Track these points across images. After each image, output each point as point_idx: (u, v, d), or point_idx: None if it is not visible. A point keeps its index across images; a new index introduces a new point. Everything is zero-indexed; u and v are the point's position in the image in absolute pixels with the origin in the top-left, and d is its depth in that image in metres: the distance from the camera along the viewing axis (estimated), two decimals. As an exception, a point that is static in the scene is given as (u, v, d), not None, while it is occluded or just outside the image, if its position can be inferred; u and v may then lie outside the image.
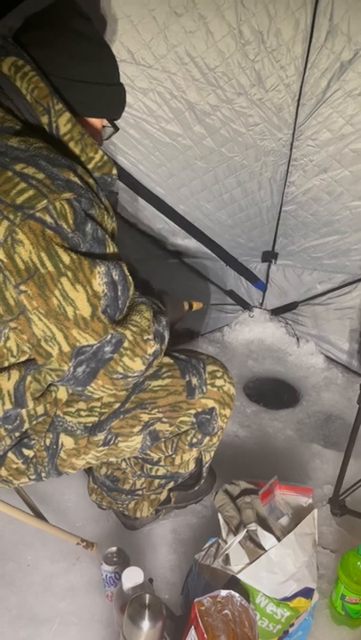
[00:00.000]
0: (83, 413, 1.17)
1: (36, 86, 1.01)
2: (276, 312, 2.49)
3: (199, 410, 1.25)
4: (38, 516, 1.38)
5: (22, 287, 0.92)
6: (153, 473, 1.36)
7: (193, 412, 1.24)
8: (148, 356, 1.05)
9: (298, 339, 2.40)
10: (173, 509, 1.60)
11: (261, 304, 2.52)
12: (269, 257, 2.32)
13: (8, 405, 1.07)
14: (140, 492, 1.44)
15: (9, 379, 1.05)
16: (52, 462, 1.18)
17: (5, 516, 1.27)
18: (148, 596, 1.07)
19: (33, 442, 1.15)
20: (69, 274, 0.92)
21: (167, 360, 1.23)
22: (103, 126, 1.17)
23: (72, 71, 1.06)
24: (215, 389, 1.26)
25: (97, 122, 1.15)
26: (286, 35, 1.53)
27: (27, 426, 1.13)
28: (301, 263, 2.28)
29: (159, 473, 1.36)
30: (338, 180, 1.84)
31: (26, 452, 1.15)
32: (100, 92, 1.10)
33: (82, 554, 1.45)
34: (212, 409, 1.26)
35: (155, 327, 1.07)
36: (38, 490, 1.54)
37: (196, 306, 1.41)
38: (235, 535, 1.20)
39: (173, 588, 1.38)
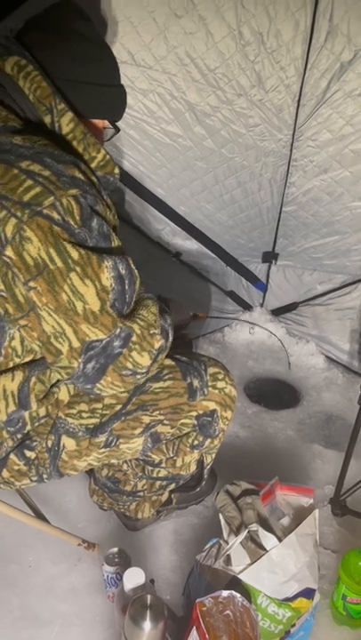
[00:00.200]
0: (84, 415, 1.17)
1: (38, 86, 1.01)
2: (277, 313, 2.49)
3: (200, 412, 1.25)
4: (40, 517, 1.38)
5: (31, 284, 0.93)
6: (154, 474, 1.36)
7: (194, 414, 1.24)
8: (154, 351, 1.05)
9: (287, 353, 2.38)
10: (175, 510, 1.60)
11: (262, 304, 2.52)
12: (270, 257, 2.32)
13: (12, 407, 1.07)
14: (141, 494, 1.44)
15: (13, 379, 1.05)
16: (53, 464, 1.18)
17: (7, 518, 1.27)
18: (149, 596, 1.07)
19: (35, 443, 1.16)
20: (78, 269, 0.93)
21: (168, 362, 1.23)
22: (104, 127, 1.18)
23: (73, 73, 1.06)
24: (216, 391, 1.26)
25: (98, 123, 1.16)
26: (286, 36, 1.53)
27: (29, 428, 1.13)
28: (302, 264, 2.28)
29: (160, 474, 1.36)
30: (338, 180, 1.84)
31: (28, 453, 1.15)
32: (101, 94, 1.11)
33: (83, 555, 1.45)
34: (214, 411, 1.26)
35: (160, 322, 1.07)
36: (40, 491, 1.54)
37: (201, 316, 1.43)
38: (236, 536, 1.20)
39: (175, 589, 1.38)
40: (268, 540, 1.17)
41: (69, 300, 0.94)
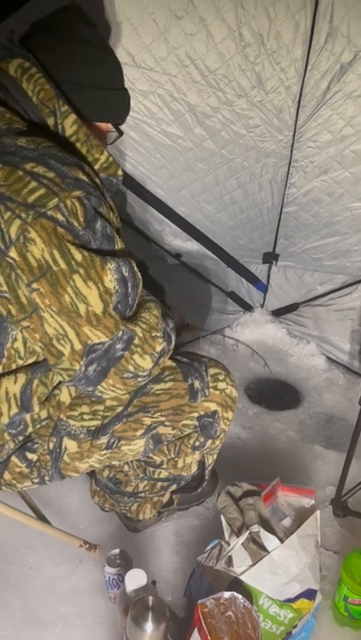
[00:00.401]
0: (86, 417, 1.17)
1: (42, 88, 1.02)
2: (278, 313, 2.49)
3: (202, 413, 1.25)
4: (41, 518, 1.38)
5: (34, 285, 0.93)
6: (155, 476, 1.36)
7: (195, 415, 1.24)
8: (156, 354, 1.05)
9: (265, 362, 2.37)
10: (176, 511, 1.60)
11: (262, 305, 2.52)
12: (270, 258, 2.32)
13: (14, 409, 1.07)
14: (142, 495, 1.44)
15: (15, 382, 1.05)
16: (55, 466, 1.18)
17: (8, 519, 1.27)
18: (151, 598, 1.07)
19: (36, 446, 1.16)
20: (81, 271, 0.93)
21: (169, 363, 1.23)
22: (107, 131, 1.18)
23: (76, 76, 1.07)
24: (218, 392, 1.26)
25: (102, 126, 1.16)
26: (286, 37, 1.53)
27: (30, 430, 1.13)
28: (302, 264, 2.28)
29: (162, 475, 1.36)
30: (338, 181, 1.84)
31: (29, 455, 1.16)
32: (104, 97, 1.11)
33: (85, 556, 1.45)
34: (215, 412, 1.26)
35: (163, 325, 1.08)
36: (41, 493, 1.54)
37: (192, 326, 1.43)
38: (237, 537, 1.20)
39: (176, 590, 1.38)
40: (269, 541, 1.17)
41: (72, 302, 0.94)
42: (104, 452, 1.20)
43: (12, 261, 0.93)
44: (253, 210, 2.05)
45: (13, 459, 1.15)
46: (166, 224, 2.05)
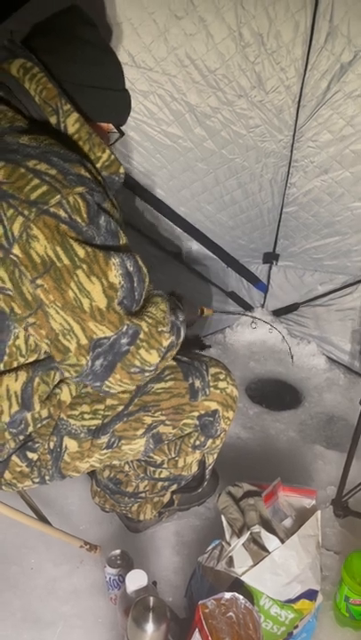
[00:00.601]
0: (86, 416, 1.17)
1: (44, 87, 1.03)
2: (278, 313, 2.49)
3: (202, 412, 1.25)
4: (42, 519, 1.38)
5: (38, 281, 0.93)
6: (156, 475, 1.36)
7: (196, 414, 1.24)
8: (163, 349, 1.05)
9: (289, 349, 2.37)
10: (176, 512, 1.59)
11: (263, 305, 2.52)
12: (270, 258, 2.32)
13: (15, 407, 1.07)
14: (143, 495, 1.44)
15: (16, 379, 1.05)
16: (55, 465, 1.18)
17: (9, 520, 1.27)
18: (151, 598, 1.07)
19: (37, 445, 1.16)
20: (85, 266, 0.94)
21: (170, 362, 1.23)
22: (109, 131, 1.19)
23: (76, 76, 1.07)
24: (218, 392, 1.26)
25: (103, 126, 1.17)
26: (286, 37, 1.53)
27: (31, 429, 1.13)
28: (302, 264, 2.27)
29: (162, 475, 1.36)
30: (339, 181, 1.84)
31: (30, 455, 1.15)
32: (105, 97, 1.12)
33: (85, 557, 1.45)
34: (215, 411, 1.26)
35: (171, 319, 1.08)
36: (42, 493, 1.54)
37: (207, 312, 1.43)
38: (238, 537, 1.20)
39: (177, 591, 1.38)
40: (270, 541, 1.17)
41: (76, 297, 0.95)
42: (105, 451, 1.20)
43: (15, 258, 0.93)
44: (254, 210, 2.05)
45: (14, 458, 1.15)
46: (166, 224, 2.05)
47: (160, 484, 1.40)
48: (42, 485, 1.23)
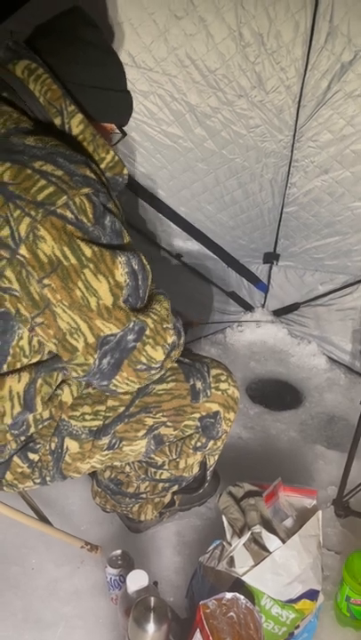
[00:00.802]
0: (87, 417, 1.17)
1: (49, 88, 1.03)
2: (278, 313, 2.49)
3: (203, 414, 1.25)
4: (42, 519, 1.38)
5: (46, 281, 0.94)
6: (157, 476, 1.36)
7: (197, 415, 1.24)
8: (167, 345, 1.06)
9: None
10: (177, 512, 1.59)
11: (263, 305, 2.52)
12: (271, 258, 2.32)
13: (17, 408, 1.07)
14: (144, 496, 1.44)
15: (19, 381, 1.05)
16: (56, 466, 1.18)
17: (9, 520, 1.26)
18: (153, 598, 1.07)
19: (38, 446, 1.15)
20: (91, 265, 0.94)
21: (172, 364, 1.23)
22: (111, 132, 1.19)
23: (78, 76, 1.08)
24: (219, 393, 1.26)
25: (105, 126, 1.17)
26: (286, 37, 1.53)
27: (32, 430, 1.13)
28: (303, 264, 2.27)
29: (163, 476, 1.36)
30: (339, 180, 1.84)
31: (31, 456, 1.15)
32: (107, 98, 1.12)
33: (86, 557, 1.45)
34: (217, 413, 1.26)
35: (173, 319, 1.08)
36: (42, 493, 1.54)
37: (195, 323, 1.43)
38: (239, 537, 1.20)
39: (178, 591, 1.38)
40: (271, 541, 1.17)
41: (83, 296, 0.95)
42: (106, 452, 1.20)
43: (22, 259, 0.93)
44: (254, 210, 2.05)
45: (15, 459, 1.15)
46: (167, 224, 2.05)
47: (161, 484, 1.40)
48: (43, 486, 1.23)
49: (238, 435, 1.94)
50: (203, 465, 1.40)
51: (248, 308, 2.51)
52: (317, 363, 2.35)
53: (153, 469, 1.35)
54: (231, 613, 1.03)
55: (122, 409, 1.19)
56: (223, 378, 1.27)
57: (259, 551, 1.18)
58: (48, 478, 1.20)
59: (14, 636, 1.30)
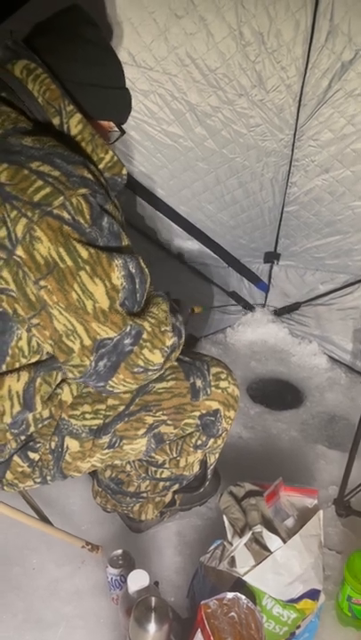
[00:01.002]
0: (88, 416, 1.17)
1: (47, 88, 1.03)
2: (279, 313, 2.49)
3: (203, 412, 1.25)
4: (43, 519, 1.38)
5: (42, 282, 0.94)
6: (158, 475, 1.36)
7: (197, 414, 1.24)
8: (166, 348, 1.05)
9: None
10: (178, 512, 1.59)
11: (264, 305, 2.52)
12: (272, 258, 2.32)
13: (17, 407, 1.07)
14: (144, 495, 1.43)
15: (18, 380, 1.05)
16: (57, 465, 1.18)
17: (10, 520, 1.26)
18: (154, 598, 1.07)
19: (38, 445, 1.15)
20: (88, 268, 0.94)
21: (171, 362, 1.23)
22: (110, 130, 1.19)
23: (77, 75, 1.08)
24: (219, 391, 1.25)
25: (104, 125, 1.17)
26: (287, 36, 1.53)
27: (32, 429, 1.13)
28: (304, 264, 2.27)
29: (164, 475, 1.36)
30: (340, 180, 1.83)
31: (31, 455, 1.15)
32: (105, 95, 1.12)
33: (87, 557, 1.45)
34: (217, 411, 1.26)
35: (172, 320, 1.08)
36: (43, 493, 1.54)
37: (197, 310, 1.43)
38: (240, 537, 1.20)
39: (179, 591, 1.38)
40: (272, 541, 1.16)
41: (79, 298, 0.95)
42: (106, 451, 1.20)
43: (19, 260, 0.93)
44: (254, 209, 2.05)
45: (15, 458, 1.15)
46: (167, 224, 2.05)
47: (162, 483, 1.40)
48: (43, 485, 1.23)
49: (239, 434, 1.94)
50: (203, 464, 1.40)
51: (249, 307, 2.51)
52: (318, 362, 2.35)
53: (153, 468, 1.35)
54: (232, 613, 1.03)
55: (122, 408, 1.19)
56: (223, 376, 1.27)
57: (260, 551, 1.17)
58: (48, 477, 1.20)
59: (15, 636, 1.30)
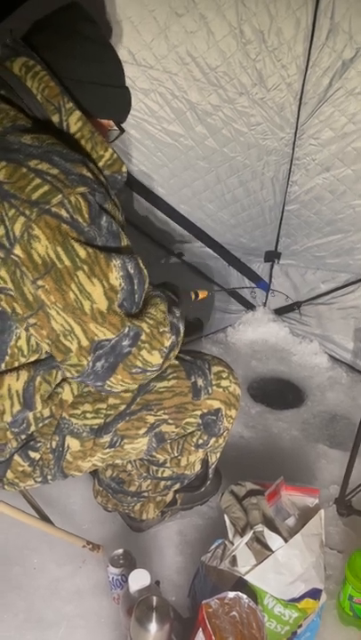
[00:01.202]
0: (88, 415, 1.17)
1: (46, 85, 1.02)
2: (280, 312, 2.49)
3: (205, 411, 1.24)
4: (44, 518, 1.37)
5: (39, 282, 0.93)
6: (159, 474, 1.36)
7: (199, 413, 1.24)
8: (164, 349, 1.05)
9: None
10: (179, 511, 1.59)
11: (265, 304, 2.52)
12: (272, 257, 2.32)
13: (17, 406, 1.07)
14: (145, 494, 1.43)
15: (18, 379, 1.05)
16: (57, 465, 1.18)
17: (11, 520, 1.26)
18: (155, 598, 1.06)
19: (39, 444, 1.15)
20: (85, 268, 0.93)
21: (172, 361, 1.23)
22: (109, 128, 1.18)
23: (76, 72, 1.07)
24: (221, 390, 1.25)
25: (103, 123, 1.16)
26: (287, 34, 1.52)
27: (33, 428, 1.12)
28: (304, 262, 2.27)
29: (165, 474, 1.36)
30: (340, 178, 1.83)
31: (32, 454, 1.15)
32: (104, 94, 1.12)
33: (88, 556, 1.45)
34: (218, 410, 1.25)
35: (170, 319, 1.07)
36: (44, 493, 1.54)
37: (202, 294, 1.42)
38: (241, 536, 1.19)
39: (180, 590, 1.37)
40: (273, 540, 1.16)
41: (77, 298, 0.94)
42: (107, 450, 1.19)
43: (16, 259, 0.93)
44: (255, 208, 2.04)
45: (16, 457, 1.14)
46: (168, 223, 2.04)
47: (163, 483, 1.40)
48: (44, 485, 1.23)
49: (240, 434, 1.93)
50: (205, 463, 1.40)
51: (249, 306, 2.51)
52: (319, 361, 2.35)
53: (155, 467, 1.34)
54: (234, 613, 1.03)
55: (123, 407, 1.18)
56: (224, 375, 1.27)
57: (261, 550, 1.17)
58: (49, 477, 1.20)
59: (16, 636, 1.30)
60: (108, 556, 1.31)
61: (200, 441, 1.29)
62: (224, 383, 1.26)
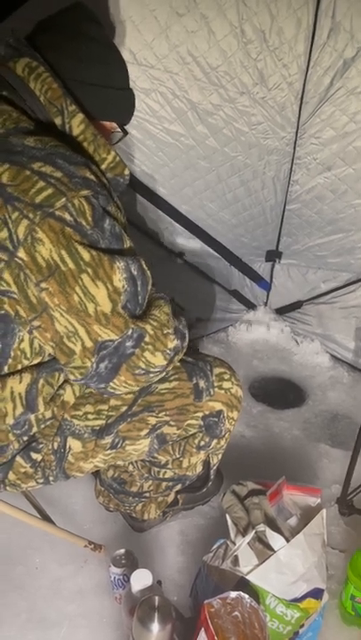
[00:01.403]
0: (90, 417, 1.17)
1: (49, 87, 1.02)
2: (281, 311, 2.49)
3: (207, 412, 1.24)
4: (46, 519, 1.38)
5: (43, 285, 0.93)
6: (160, 475, 1.36)
7: (200, 414, 1.24)
8: (168, 351, 1.05)
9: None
10: (181, 511, 1.59)
11: (266, 304, 2.51)
12: (273, 256, 2.32)
13: (20, 409, 1.07)
14: (147, 495, 1.43)
15: (21, 381, 1.05)
16: (59, 466, 1.18)
17: (13, 520, 1.26)
18: (157, 598, 1.07)
19: (41, 446, 1.15)
20: (89, 270, 0.93)
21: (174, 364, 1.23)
22: (112, 131, 1.18)
23: (80, 73, 1.07)
24: (223, 392, 1.25)
25: (106, 125, 1.16)
26: (288, 33, 1.52)
27: (35, 430, 1.12)
28: (306, 262, 2.27)
29: (167, 475, 1.36)
30: (342, 177, 1.83)
31: (34, 455, 1.15)
32: (108, 96, 1.11)
33: (90, 556, 1.45)
34: (220, 411, 1.25)
35: (175, 323, 1.08)
36: (46, 493, 1.54)
37: (201, 322, 1.42)
38: (243, 536, 1.19)
39: (182, 590, 1.37)
40: (275, 540, 1.16)
41: (81, 301, 0.94)
42: (109, 451, 1.19)
43: (20, 262, 0.93)
44: (256, 207, 2.04)
45: (18, 459, 1.14)
46: (168, 222, 2.04)
47: (164, 484, 1.40)
48: (46, 486, 1.23)
49: (241, 433, 1.93)
50: (206, 464, 1.39)
51: (251, 306, 2.50)
52: (320, 361, 2.35)
53: (156, 468, 1.34)
54: (236, 612, 1.03)
55: (124, 408, 1.18)
56: (226, 376, 1.27)
57: (263, 550, 1.17)
58: (51, 478, 1.20)
59: (18, 636, 1.30)
60: (110, 556, 1.32)
61: (202, 442, 1.29)
62: (226, 385, 1.26)
